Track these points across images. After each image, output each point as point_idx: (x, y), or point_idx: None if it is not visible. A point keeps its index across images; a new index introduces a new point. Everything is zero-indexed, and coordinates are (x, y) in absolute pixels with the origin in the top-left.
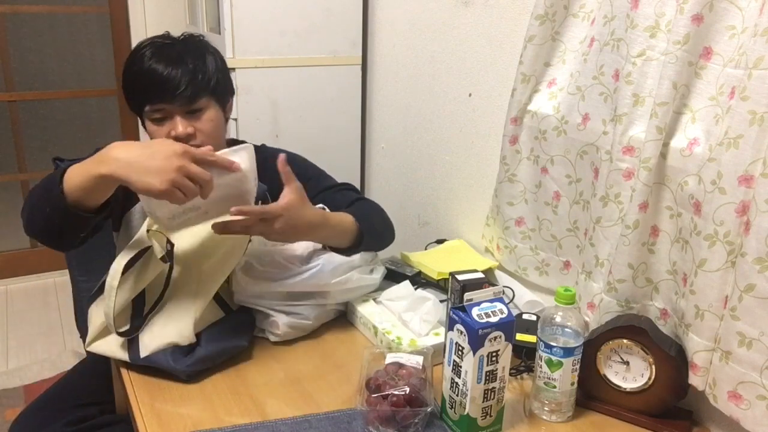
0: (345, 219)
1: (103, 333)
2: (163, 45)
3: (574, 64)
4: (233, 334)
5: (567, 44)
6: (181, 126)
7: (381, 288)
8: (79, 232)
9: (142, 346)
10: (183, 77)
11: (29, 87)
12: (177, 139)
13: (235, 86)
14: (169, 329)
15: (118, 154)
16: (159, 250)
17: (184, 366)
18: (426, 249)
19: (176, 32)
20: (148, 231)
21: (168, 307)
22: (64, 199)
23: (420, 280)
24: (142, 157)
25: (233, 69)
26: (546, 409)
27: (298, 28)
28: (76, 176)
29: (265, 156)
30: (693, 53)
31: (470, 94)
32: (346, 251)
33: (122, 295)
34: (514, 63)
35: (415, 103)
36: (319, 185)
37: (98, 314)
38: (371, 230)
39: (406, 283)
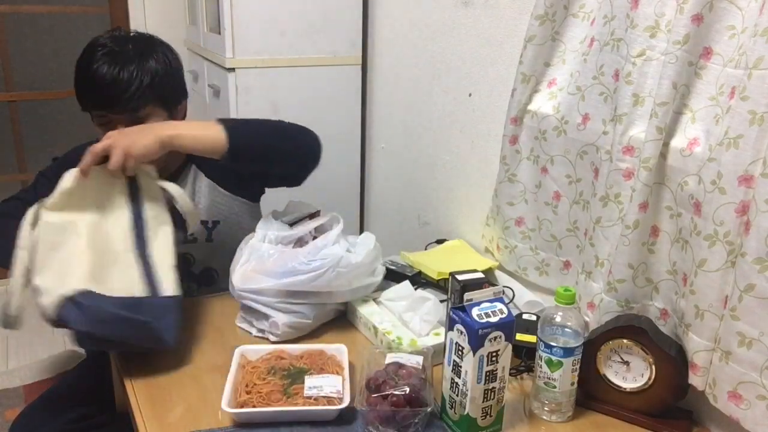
0: (208, 122)
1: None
2: (111, 49)
3: (574, 64)
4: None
5: (567, 44)
6: None
7: (381, 288)
8: None
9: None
10: (126, 87)
11: (29, 87)
12: None
13: (235, 86)
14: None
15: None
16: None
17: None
18: (426, 249)
19: (176, 32)
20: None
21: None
22: None
23: (420, 280)
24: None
25: (233, 69)
26: (546, 409)
27: (298, 28)
28: None
29: None
30: (693, 53)
31: (470, 94)
32: (227, 157)
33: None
34: (514, 63)
35: (415, 103)
36: None
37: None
38: (246, 131)
39: (406, 283)
